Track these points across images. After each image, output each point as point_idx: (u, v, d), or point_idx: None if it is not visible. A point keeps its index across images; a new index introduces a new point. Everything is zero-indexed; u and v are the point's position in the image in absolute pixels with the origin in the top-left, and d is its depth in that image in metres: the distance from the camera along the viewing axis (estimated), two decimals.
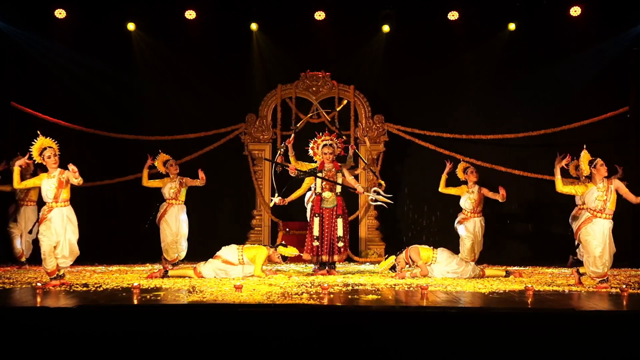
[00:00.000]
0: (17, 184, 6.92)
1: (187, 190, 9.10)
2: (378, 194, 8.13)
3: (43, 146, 6.82)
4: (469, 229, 9.19)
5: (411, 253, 7.69)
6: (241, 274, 7.45)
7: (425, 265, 7.63)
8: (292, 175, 8.59)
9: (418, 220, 11.12)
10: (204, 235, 9.93)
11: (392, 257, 7.78)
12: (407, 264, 7.74)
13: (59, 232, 6.70)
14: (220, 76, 11.42)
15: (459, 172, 9.47)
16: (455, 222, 9.45)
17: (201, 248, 8.86)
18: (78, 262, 9.15)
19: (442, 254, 7.75)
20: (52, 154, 6.78)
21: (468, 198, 9.23)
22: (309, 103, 11.12)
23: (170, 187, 8.99)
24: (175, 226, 8.91)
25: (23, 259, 9.29)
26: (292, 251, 7.76)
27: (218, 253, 7.61)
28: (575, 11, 10.69)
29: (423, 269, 7.61)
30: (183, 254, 9.05)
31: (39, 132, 6.93)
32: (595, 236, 6.71)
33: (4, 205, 9.52)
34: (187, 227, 9.04)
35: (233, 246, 7.62)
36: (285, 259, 7.82)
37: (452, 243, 8.93)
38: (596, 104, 10.68)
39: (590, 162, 6.89)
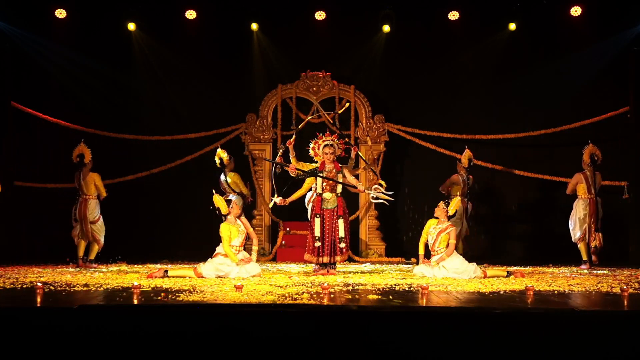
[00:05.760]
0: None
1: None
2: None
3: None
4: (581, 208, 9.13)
5: (452, 230, 7.98)
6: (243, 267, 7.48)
7: (454, 246, 7.90)
8: (292, 175, 8.57)
9: (418, 220, 11.11)
10: (203, 235, 9.91)
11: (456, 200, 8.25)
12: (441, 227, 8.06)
13: None
14: (221, 76, 11.43)
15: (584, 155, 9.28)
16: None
17: (201, 248, 8.85)
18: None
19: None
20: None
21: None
22: (310, 103, 11.11)
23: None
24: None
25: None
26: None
27: (216, 252, 7.66)
28: (576, 11, 10.70)
29: (450, 249, 7.86)
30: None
31: None
32: None
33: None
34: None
35: None
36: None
37: None
38: (596, 104, 10.68)
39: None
